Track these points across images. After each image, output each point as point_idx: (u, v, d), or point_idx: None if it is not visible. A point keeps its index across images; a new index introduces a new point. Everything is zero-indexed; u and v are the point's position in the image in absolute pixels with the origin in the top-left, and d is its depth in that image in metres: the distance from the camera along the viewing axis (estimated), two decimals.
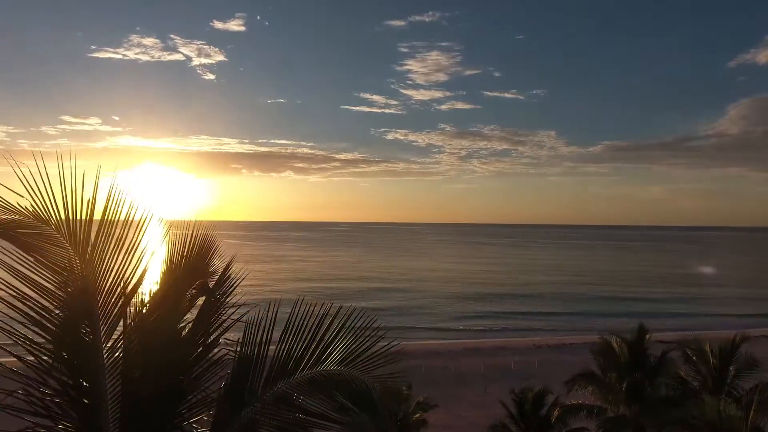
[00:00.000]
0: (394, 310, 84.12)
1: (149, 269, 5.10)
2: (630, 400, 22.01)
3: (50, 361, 4.47)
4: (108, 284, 4.71)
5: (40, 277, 4.59)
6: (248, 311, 5.53)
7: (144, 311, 4.99)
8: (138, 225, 5.06)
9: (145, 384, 4.65)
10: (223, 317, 5.36)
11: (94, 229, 4.82)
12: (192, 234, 5.51)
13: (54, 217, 4.72)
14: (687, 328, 72.68)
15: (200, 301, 5.52)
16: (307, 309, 5.11)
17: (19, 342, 4.36)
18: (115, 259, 4.84)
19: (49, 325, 4.48)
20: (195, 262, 5.59)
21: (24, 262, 4.59)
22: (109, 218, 4.87)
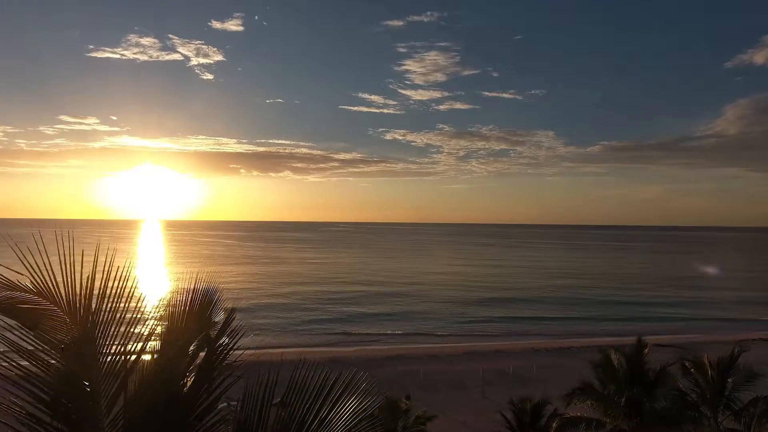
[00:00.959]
0: (393, 314, 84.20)
1: (151, 336, 5.11)
2: (629, 414, 22.05)
3: None
4: (108, 361, 4.72)
5: (44, 352, 4.60)
6: (248, 370, 5.56)
7: (145, 375, 5.01)
8: (139, 298, 5.08)
9: None
10: (223, 375, 5.39)
11: (94, 302, 4.83)
12: (194, 288, 5.55)
13: (54, 292, 4.72)
14: (685, 332, 73.14)
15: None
16: (307, 374, 5.12)
17: (25, 420, 4.36)
18: (116, 332, 4.85)
19: (50, 400, 4.49)
20: (198, 315, 5.64)
21: (26, 337, 4.60)
22: (110, 293, 4.88)
